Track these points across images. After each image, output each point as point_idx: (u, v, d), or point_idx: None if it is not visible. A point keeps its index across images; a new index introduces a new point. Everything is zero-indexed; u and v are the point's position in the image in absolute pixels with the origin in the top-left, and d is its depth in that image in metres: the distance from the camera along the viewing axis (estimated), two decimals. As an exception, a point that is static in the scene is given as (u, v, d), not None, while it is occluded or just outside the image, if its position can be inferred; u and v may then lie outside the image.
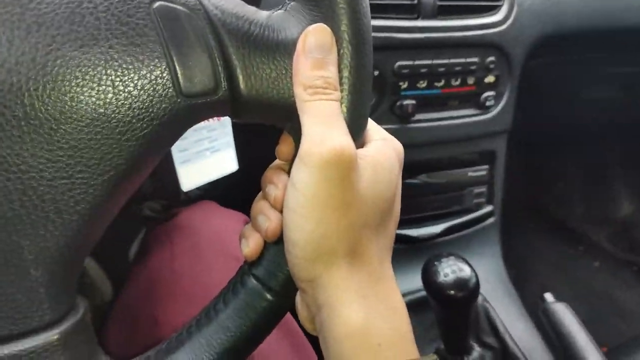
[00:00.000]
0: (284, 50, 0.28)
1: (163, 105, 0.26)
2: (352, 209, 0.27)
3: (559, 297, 0.70)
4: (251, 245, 0.31)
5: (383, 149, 0.31)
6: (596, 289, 1.22)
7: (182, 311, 0.50)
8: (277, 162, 0.33)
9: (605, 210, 1.34)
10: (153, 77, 0.25)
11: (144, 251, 0.60)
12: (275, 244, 0.31)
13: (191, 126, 0.29)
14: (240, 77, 0.27)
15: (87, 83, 0.24)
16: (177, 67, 0.26)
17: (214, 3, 0.28)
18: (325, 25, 0.28)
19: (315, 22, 0.28)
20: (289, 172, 0.30)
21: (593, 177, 1.35)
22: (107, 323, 0.56)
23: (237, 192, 0.68)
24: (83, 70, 0.24)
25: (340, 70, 0.29)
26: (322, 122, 0.27)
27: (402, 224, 0.80)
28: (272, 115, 0.30)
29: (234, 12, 0.28)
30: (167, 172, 0.61)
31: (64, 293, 0.26)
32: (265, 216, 0.30)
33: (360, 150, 0.29)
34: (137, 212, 0.77)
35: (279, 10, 0.30)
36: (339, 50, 0.28)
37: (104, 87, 0.24)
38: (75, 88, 0.24)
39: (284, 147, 0.31)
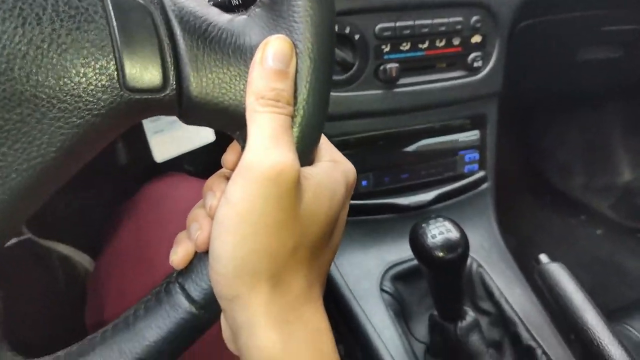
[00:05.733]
0: (240, 56, 0.27)
1: (104, 97, 0.24)
2: (284, 230, 0.26)
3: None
4: (180, 253, 0.30)
5: (330, 171, 0.29)
6: (600, 257, 1.20)
7: (147, 283, 0.48)
8: (223, 170, 0.31)
9: (607, 178, 1.31)
10: (97, 66, 0.24)
11: (112, 224, 0.59)
12: (206, 254, 0.29)
13: (134, 122, 0.28)
14: (191, 78, 0.26)
15: (25, 63, 0.23)
16: (123, 59, 0.25)
17: None
18: (286, 37, 0.27)
19: (278, 32, 0.27)
20: None
21: (593, 144, 1.32)
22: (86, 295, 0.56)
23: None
24: (22, 48, 0.23)
25: (296, 84, 0.27)
26: (269, 136, 0.26)
27: (393, 192, 0.78)
28: (222, 121, 0.28)
29: (193, 10, 0.27)
30: (143, 142, 0.59)
31: None
32: (199, 224, 0.29)
33: (305, 169, 0.28)
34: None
35: (242, 15, 0.28)
36: (297, 64, 0.27)
37: (42, 69, 0.23)
38: (10, 66, 0.22)
39: (230, 155, 0.30)
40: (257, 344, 0.26)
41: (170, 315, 0.29)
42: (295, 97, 0.28)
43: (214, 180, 0.30)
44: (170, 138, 0.56)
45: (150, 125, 0.55)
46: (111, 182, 0.67)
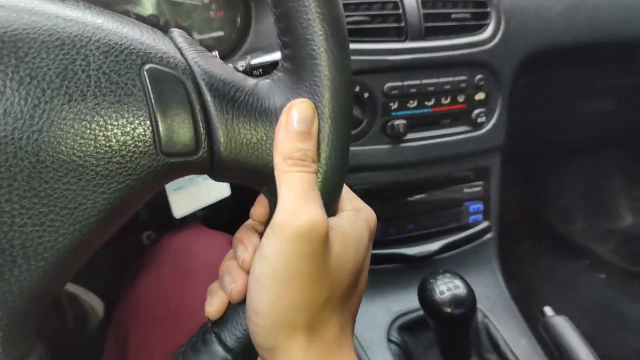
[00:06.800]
0: (266, 118, 0.29)
1: (142, 162, 0.26)
2: (317, 283, 0.28)
3: (564, 313, 0.70)
4: (215, 304, 0.31)
5: (354, 220, 0.31)
6: (602, 302, 1.21)
7: (170, 333, 0.50)
8: (250, 221, 0.33)
9: (608, 223, 1.33)
10: (135, 134, 0.26)
11: (132, 274, 0.61)
12: (240, 305, 0.31)
13: (169, 182, 0.30)
14: (221, 141, 0.28)
15: (71, 136, 0.25)
16: (160, 126, 0.27)
17: (204, 68, 0.29)
18: (308, 101, 0.29)
19: (300, 94, 0.30)
20: (261, 235, 0.30)
21: (593, 190, 1.34)
22: (103, 342, 0.57)
23: (230, 216, 0.69)
24: (68, 123, 0.25)
25: (318, 143, 0.29)
26: (298, 194, 0.28)
27: (399, 242, 0.80)
28: (250, 178, 0.31)
29: (222, 77, 0.29)
30: (162, 198, 0.61)
31: (19, 338, 0.26)
32: (232, 277, 0.31)
33: (331, 220, 0.30)
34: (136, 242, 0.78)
35: (266, 80, 0.31)
36: (319, 124, 0.29)
37: (86, 140, 0.25)
38: (58, 139, 0.24)
39: (258, 208, 0.32)
40: None
41: None
42: (318, 155, 0.30)
43: (243, 233, 0.32)
44: (189, 194, 0.59)
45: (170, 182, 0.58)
46: (127, 230, 0.70)
